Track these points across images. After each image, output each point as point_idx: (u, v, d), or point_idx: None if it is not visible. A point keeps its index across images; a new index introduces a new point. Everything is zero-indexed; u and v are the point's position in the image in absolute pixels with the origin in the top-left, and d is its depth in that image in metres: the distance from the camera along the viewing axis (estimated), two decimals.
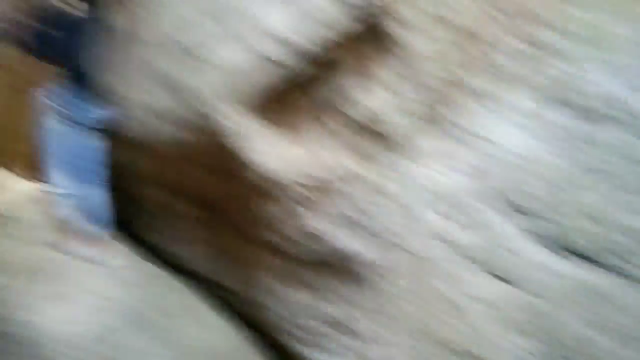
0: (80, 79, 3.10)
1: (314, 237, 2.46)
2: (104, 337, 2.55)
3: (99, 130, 3.14)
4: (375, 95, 2.40)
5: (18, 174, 4.08)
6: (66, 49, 3.07)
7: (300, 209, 2.43)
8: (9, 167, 4.00)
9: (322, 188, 2.40)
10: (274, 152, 2.40)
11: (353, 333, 2.52)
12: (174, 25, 2.79)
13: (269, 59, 2.29)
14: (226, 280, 3.08)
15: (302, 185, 2.39)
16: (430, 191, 2.37)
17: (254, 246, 2.75)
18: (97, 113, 3.12)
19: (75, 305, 2.70)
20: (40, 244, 3.13)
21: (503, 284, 2.27)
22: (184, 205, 3.09)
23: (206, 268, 3.15)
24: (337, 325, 2.53)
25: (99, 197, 3.09)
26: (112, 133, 3.21)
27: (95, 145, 3.13)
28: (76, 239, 3.05)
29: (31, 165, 4.04)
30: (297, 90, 2.42)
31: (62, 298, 2.73)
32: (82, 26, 3.15)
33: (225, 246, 2.97)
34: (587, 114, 2.30)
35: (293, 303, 2.65)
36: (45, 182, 3.75)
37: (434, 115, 2.42)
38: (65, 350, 2.48)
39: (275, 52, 2.28)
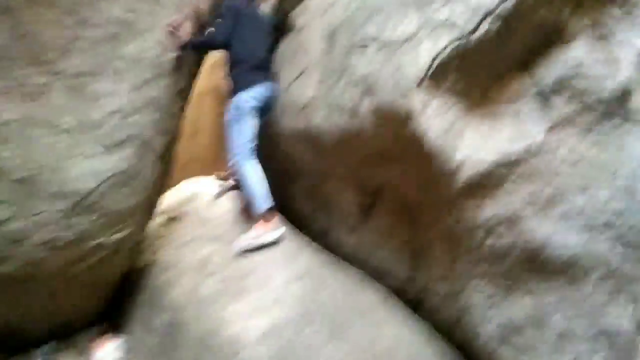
0: (248, 65, 3.22)
1: (514, 225, 2.10)
2: (275, 331, 2.49)
3: (263, 109, 3.25)
4: (584, 52, 1.97)
5: (196, 174, 4.39)
6: (233, 36, 3.20)
7: (498, 194, 2.09)
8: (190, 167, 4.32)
9: (526, 168, 2.03)
10: (468, 133, 2.11)
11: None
12: (350, 18, 2.70)
13: (465, 30, 2.02)
14: (401, 274, 2.84)
15: (502, 166, 2.06)
16: None
17: (446, 242, 2.45)
18: (264, 95, 3.22)
19: (249, 299, 2.71)
20: (217, 239, 3.24)
21: None
22: (353, 194, 2.96)
23: (376, 259, 2.95)
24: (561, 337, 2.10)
25: (261, 176, 3.14)
26: (276, 121, 3.27)
27: (257, 125, 3.23)
28: (250, 229, 3.12)
29: (211, 163, 4.36)
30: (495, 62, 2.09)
31: (240, 292, 2.77)
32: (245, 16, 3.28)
33: (403, 238, 2.72)
34: None
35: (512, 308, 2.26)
36: (220, 177, 3.98)
37: None
38: (238, 343, 2.47)
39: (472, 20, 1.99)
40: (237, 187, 3.70)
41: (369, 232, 2.91)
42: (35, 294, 2.71)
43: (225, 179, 3.96)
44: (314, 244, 3.22)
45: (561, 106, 1.97)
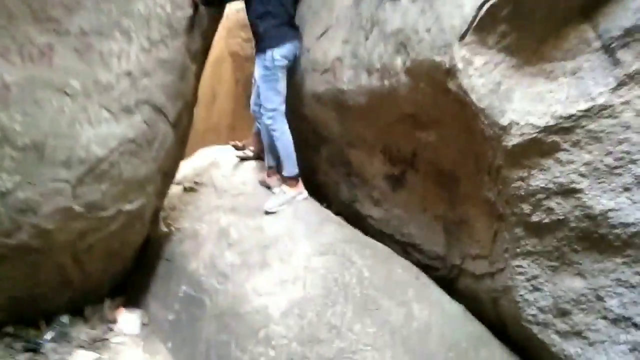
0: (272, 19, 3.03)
1: (567, 198, 1.87)
2: (295, 311, 2.34)
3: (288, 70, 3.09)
4: None
5: (214, 143, 4.24)
6: None
7: (550, 163, 1.85)
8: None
9: (584, 134, 1.78)
10: (518, 93, 1.86)
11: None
12: None
13: None
14: (433, 250, 2.64)
15: (556, 131, 1.81)
16: None
17: (486, 215, 2.24)
18: (293, 54, 3.08)
19: (269, 274, 2.57)
20: (234, 211, 3.11)
21: None
22: (381, 162, 2.76)
23: (406, 234, 2.76)
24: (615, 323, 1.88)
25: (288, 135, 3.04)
26: (297, 83, 3.12)
27: (284, 82, 3.08)
28: (276, 191, 3.11)
29: (229, 131, 4.22)
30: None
31: (260, 266, 2.64)
32: None
33: (437, 211, 2.52)
34: None
35: (559, 290, 2.04)
36: (238, 147, 3.85)
37: None
38: (257, 321, 2.36)
39: None
40: (256, 157, 3.59)
41: (399, 204, 2.72)
42: (47, 265, 2.62)
43: (242, 148, 3.82)
44: (337, 217, 3.04)
45: (630, 62, 1.69)
